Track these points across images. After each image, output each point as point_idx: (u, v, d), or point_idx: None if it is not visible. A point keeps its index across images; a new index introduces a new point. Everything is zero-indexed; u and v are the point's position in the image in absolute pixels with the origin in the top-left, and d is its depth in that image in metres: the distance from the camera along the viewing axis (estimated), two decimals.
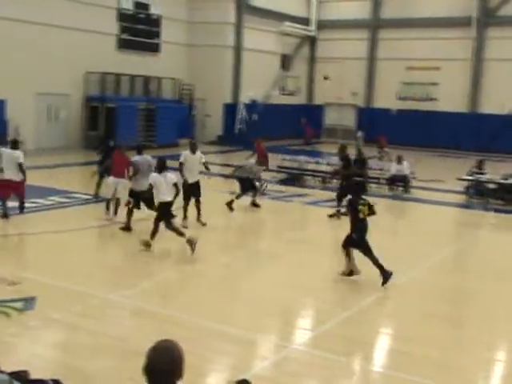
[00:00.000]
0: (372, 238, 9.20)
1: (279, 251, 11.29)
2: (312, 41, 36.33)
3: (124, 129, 25.01)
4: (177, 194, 10.64)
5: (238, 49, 30.70)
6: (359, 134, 29.80)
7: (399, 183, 18.42)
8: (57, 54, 23.61)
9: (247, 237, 12.72)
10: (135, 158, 12.18)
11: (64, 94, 24.50)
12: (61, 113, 24.95)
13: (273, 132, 31.56)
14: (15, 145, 12.23)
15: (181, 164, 12.36)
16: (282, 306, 8.43)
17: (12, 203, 13.79)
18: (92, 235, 12.12)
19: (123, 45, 27.16)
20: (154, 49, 28.75)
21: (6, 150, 12.14)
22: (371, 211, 9.27)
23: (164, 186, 10.49)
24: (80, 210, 13.80)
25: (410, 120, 32.53)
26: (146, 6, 27.99)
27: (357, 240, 9.15)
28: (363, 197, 9.52)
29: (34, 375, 4.87)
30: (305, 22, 35.29)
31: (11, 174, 11.93)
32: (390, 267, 10.48)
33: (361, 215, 9.13)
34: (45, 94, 23.65)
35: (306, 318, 8.43)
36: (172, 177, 10.64)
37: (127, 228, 11.65)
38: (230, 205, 14.18)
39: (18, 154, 11.94)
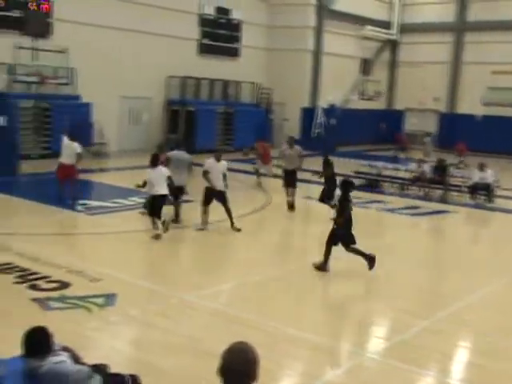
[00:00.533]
0: (454, 247, 8.93)
1: (356, 258, 11.13)
2: (393, 45, 35.72)
3: (203, 132, 25.48)
4: (170, 187, 11.33)
5: (317, 53, 30.59)
6: (427, 139, 29.04)
7: (482, 192, 17.77)
8: (140, 59, 24.34)
9: (320, 243, 12.55)
10: (170, 152, 12.66)
11: (146, 97, 25.22)
12: (142, 116, 25.69)
13: (351, 137, 31.24)
14: (73, 137, 14.06)
15: (205, 172, 12.13)
16: (357, 313, 8.32)
17: (97, 202, 14.34)
18: (170, 235, 12.37)
19: (204, 49, 27.66)
20: (234, 53, 29.10)
21: (66, 140, 14.02)
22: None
23: (158, 179, 11.15)
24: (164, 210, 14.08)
25: (496, 126, 31.33)
26: (226, 11, 28.41)
27: (346, 236, 9.67)
28: (350, 194, 9.97)
29: (112, 369, 5.03)
30: (386, 25, 34.76)
31: (65, 159, 13.94)
32: (472, 277, 10.16)
33: (348, 211, 9.69)
34: (128, 98, 24.44)
35: (382, 326, 8.26)
36: (165, 170, 11.38)
37: (176, 220, 12.40)
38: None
39: (76, 145, 13.89)
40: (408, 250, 12.13)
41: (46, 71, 20.27)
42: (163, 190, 11.22)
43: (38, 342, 4.41)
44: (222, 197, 12.15)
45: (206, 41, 27.73)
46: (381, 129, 34.38)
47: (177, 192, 12.17)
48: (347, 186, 10.07)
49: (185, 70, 25.93)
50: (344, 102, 31.61)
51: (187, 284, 9.02)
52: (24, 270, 8.88)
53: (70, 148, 13.84)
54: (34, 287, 8.23)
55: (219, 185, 12.10)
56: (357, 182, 19.16)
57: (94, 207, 13.93)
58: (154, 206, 11.35)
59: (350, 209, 9.75)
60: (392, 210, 15.86)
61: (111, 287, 8.37)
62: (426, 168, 18.88)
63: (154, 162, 11.33)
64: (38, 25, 19.74)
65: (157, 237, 11.17)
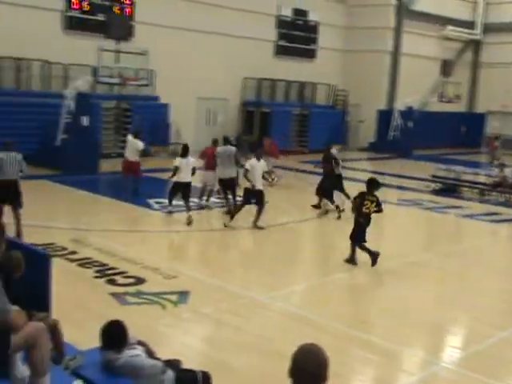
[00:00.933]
0: None
1: (432, 264, 10.88)
2: (476, 45, 34.61)
3: (277, 133, 25.50)
4: (193, 174, 12.57)
5: (395, 54, 30.06)
6: (497, 142, 27.87)
7: None
8: (217, 61, 24.69)
9: (398, 247, 12.33)
10: (218, 148, 13.68)
11: (222, 98, 25.56)
12: (218, 117, 26.03)
13: (429, 140, 30.51)
14: (136, 135, 15.04)
15: (246, 171, 12.31)
16: (432, 320, 8.10)
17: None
18: (247, 235, 12.49)
19: (280, 51, 27.75)
20: (310, 55, 29.03)
21: (130, 138, 15.05)
22: (378, 209, 9.87)
23: (185, 168, 12.37)
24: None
25: None
26: (304, 13, 28.37)
27: (360, 231, 9.86)
28: (375, 194, 9.95)
29: (184, 365, 5.13)
30: (469, 25, 33.71)
31: (130, 156, 14.85)
32: None
33: (364, 209, 9.76)
34: (205, 99, 24.85)
35: (458, 335, 8.01)
36: (193, 160, 12.68)
37: (228, 213, 12.96)
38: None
39: (139, 143, 14.76)
40: (487, 258, 11.72)
41: (127, 73, 20.91)
42: (188, 178, 12.50)
43: (115, 335, 4.56)
44: (259, 196, 12.37)
45: (282, 42, 27.80)
46: (462, 132, 33.40)
47: (226, 183, 13.28)
48: (370, 185, 10.03)
49: (261, 72, 26.10)
50: (422, 105, 30.89)
51: (258, 284, 9.07)
52: (103, 264, 9.20)
53: (133, 145, 14.77)
54: (111, 282, 8.50)
55: (259, 184, 12.37)
56: (434, 186, 18.81)
57: (175, 205, 14.23)
58: (175, 191, 12.79)
59: (364, 206, 9.81)
60: (471, 216, 15.35)
61: (184, 285, 8.53)
62: (508, 173, 18.17)
63: (185, 153, 12.62)
64: (121, 28, 20.39)
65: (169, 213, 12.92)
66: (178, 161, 12.56)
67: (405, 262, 10.74)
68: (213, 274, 9.26)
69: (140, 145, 14.74)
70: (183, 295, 8.12)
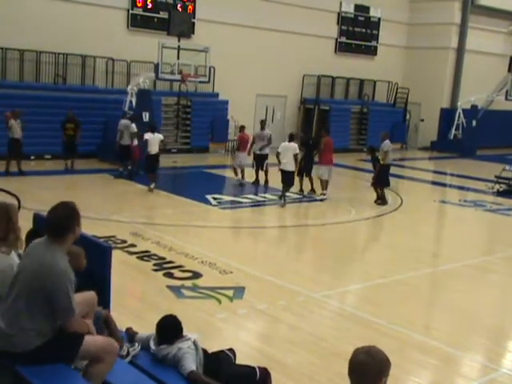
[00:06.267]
0: None
1: (493, 267, 10.57)
2: None
3: (336, 131, 25.25)
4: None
5: (460, 51, 29.27)
6: None
7: None
8: (277, 58, 24.65)
9: (459, 249, 12.02)
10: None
11: (281, 95, 25.52)
12: (277, 114, 25.99)
13: (494, 140, 29.58)
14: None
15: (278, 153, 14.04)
16: (491, 325, 7.87)
17: (229, 197, 14.73)
18: (304, 232, 12.45)
19: (341, 48, 27.49)
20: (371, 52, 28.63)
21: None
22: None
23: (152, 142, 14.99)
24: (290, 207, 14.22)
25: None
26: (366, 9, 28.01)
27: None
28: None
29: (238, 360, 5.15)
30: None
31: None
32: None
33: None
34: (264, 96, 24.87)
35: None
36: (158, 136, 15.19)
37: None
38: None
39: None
40: None
41: (188, 70, 21.12)
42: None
43: (168, 328, 4.70)
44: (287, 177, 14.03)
45: (343, 39, 27.53)
46: None
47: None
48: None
49: (321, 69, 25.91)
50: (487, 103, 29.98)
51: (315, 282, 9.02)
52: (161, 258, 9.36)
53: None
54: (169, 275, 8.64)
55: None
56: (498, 187, 18.20)
57: (226, 201, 14.36)
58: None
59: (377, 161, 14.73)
60: None
61: (240, 280, 8.58)
62: None
63: (152, 130, 15.30)
64: (183, 25, 20.62)
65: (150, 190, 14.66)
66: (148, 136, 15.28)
67: (466, 265, 10.47)
68: (269, 271, 9.27)
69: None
70: (239, 291, 8.16)
